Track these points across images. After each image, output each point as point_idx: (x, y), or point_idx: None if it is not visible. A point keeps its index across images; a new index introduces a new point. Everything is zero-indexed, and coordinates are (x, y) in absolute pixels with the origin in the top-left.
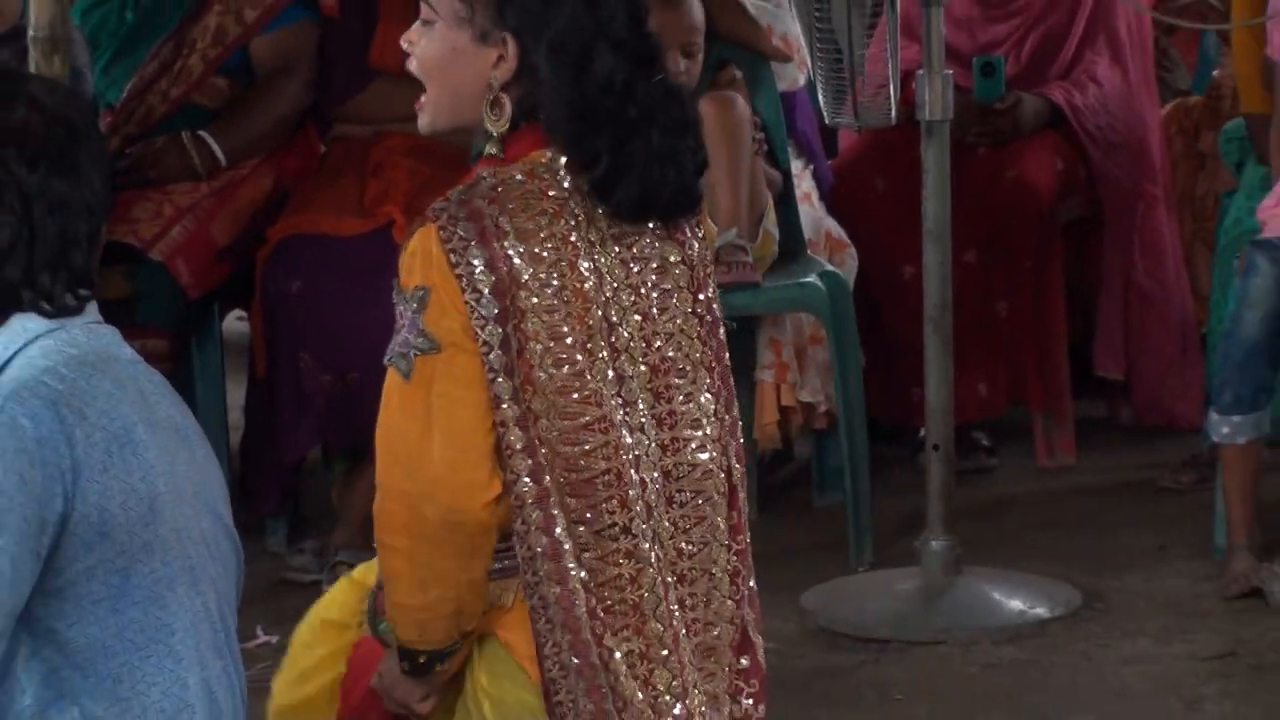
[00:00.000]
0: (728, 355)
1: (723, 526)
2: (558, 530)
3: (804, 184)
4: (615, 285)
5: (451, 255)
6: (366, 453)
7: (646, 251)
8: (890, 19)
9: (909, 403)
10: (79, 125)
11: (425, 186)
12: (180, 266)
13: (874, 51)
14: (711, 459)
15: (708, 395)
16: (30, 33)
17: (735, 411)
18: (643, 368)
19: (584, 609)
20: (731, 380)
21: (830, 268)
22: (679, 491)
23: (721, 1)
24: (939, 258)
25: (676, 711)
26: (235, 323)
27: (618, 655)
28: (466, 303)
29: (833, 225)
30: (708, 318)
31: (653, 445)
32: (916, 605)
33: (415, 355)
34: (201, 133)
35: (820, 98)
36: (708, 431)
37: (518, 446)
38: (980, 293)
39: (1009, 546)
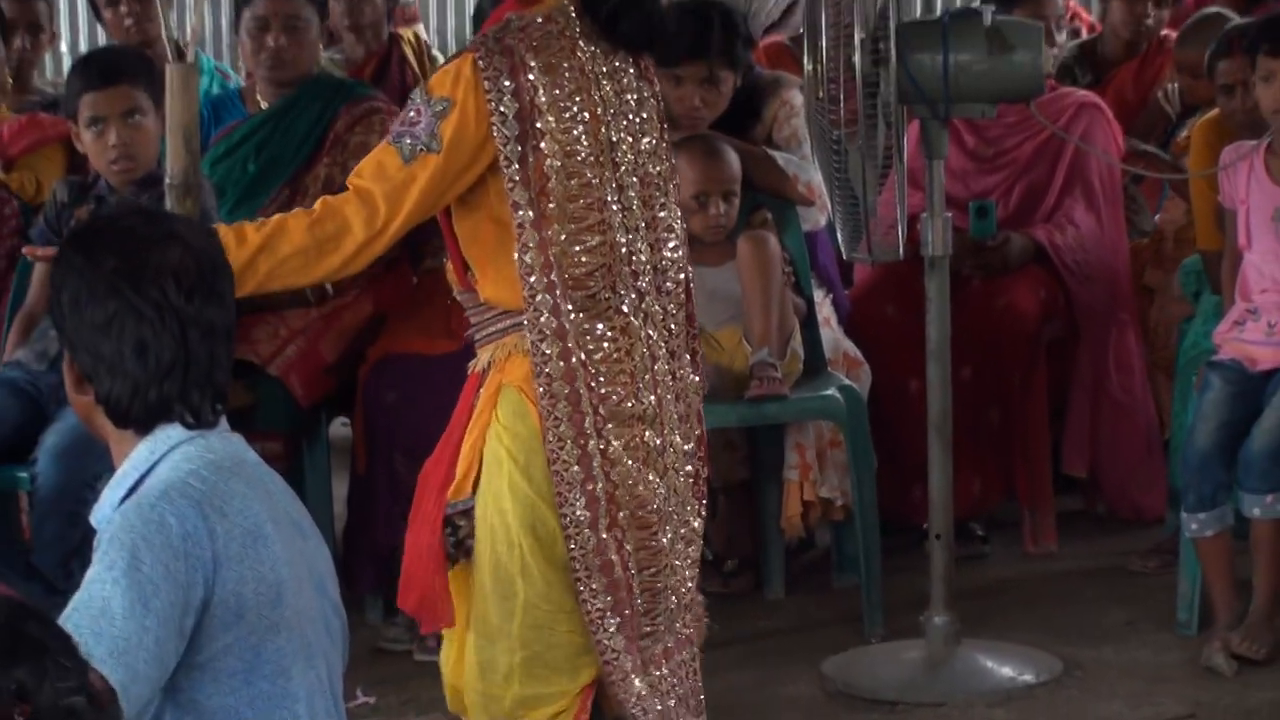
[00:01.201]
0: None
1: (683, 315)
2: (565, 316)
3: (825, 310)
4: (613, 111)
5: (485, 81)
6: None
7: (630, 86)
8: (898, 170)
9: (911, 500)
10: (219, 260)
11: None
12: (294, 380)
13: (884, 197)
14: (681, 257)
15: (675, 207)
16: (166, 180)
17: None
18: (635, 180)
19: (584, 386)
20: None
21: (847, 382)
22: (665, 281)
23: (755, 155)
24: (940, 374)
25: (658, 464)
26: (340, 428)
27: (603, 411)
28: (492, 123)
29: (849, 346)
30: (666, 143)
31: (643, 244)
32: (922, 672)
33: (420, 149)
34: None
35: (839, 236)
36: (678, 233)
37: (530, 245)
38: (975, 404)
39: (1001, 622)
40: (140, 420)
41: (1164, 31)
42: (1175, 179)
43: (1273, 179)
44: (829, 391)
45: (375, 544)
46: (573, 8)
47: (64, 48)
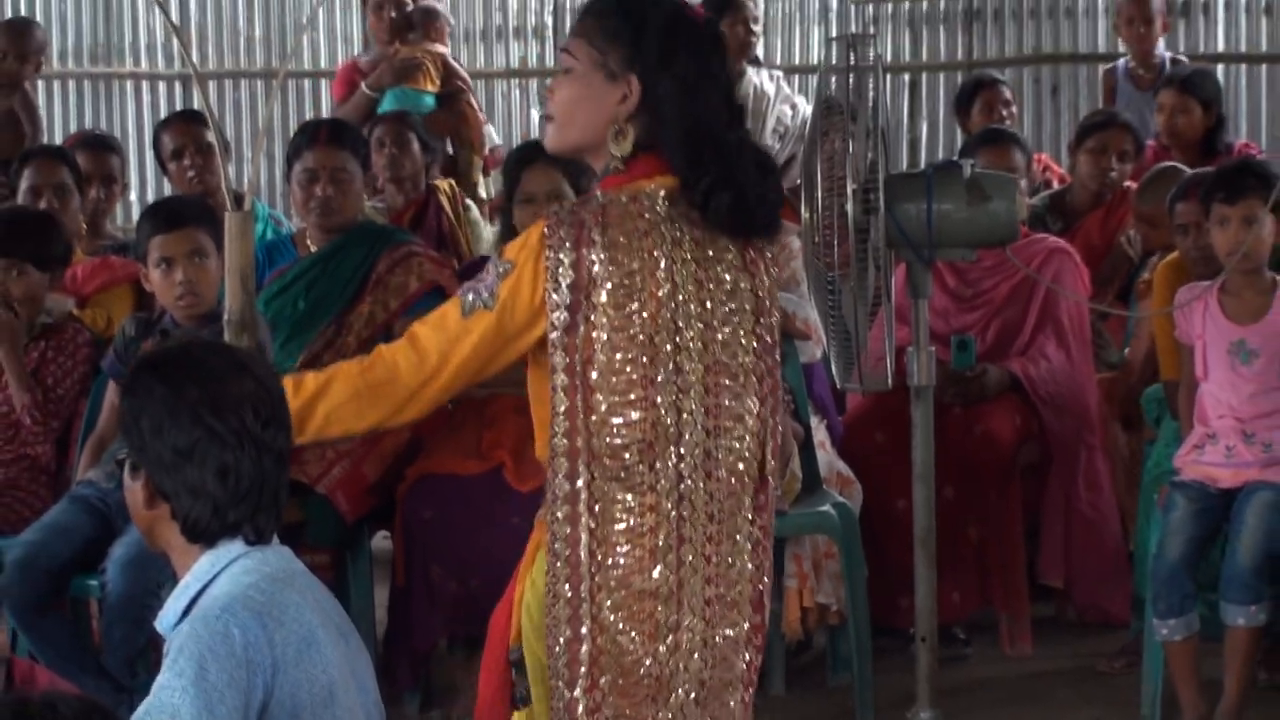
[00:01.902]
0: (780, 371)
1: (748, 504)
2: (579, 481)
3: (820, 434)
4: (684, 297)
5: (548, 250)
6: (480, 642)
7: (719, 275)
8: (886, 308)
9: (899, 607)
10: (282, 390)
11: (529, 435)
12: (339, 498)
13: (874, 332)
14: (748, 449)
15: (754, 399)
16: (225, 316)
17: (780, 417)
18: (699, 365)
19: (585, 552)
20: (781, 392)
21: (841, 500)
22: (716, 468)
23: None
24: (925, 493)
25: (668, 641)
26: (381, 541)
27: (605, 579)
28: (546, 289)
29: (843, 466)
30: (766, 339)
31: (699, 427)
32: None
33: (479, 305)
34: None
35: (833, 368)
36: (749, 425)
37: (560, 409)
38: (956, 520)
39: (981, 717)
40: (213, 537)
41: (1127, 183)
42: (1137, 317)
43: (1227, 316)
44: (825, 508)
45: (413, 647)
46: (666, 191)
47: (133, 197)
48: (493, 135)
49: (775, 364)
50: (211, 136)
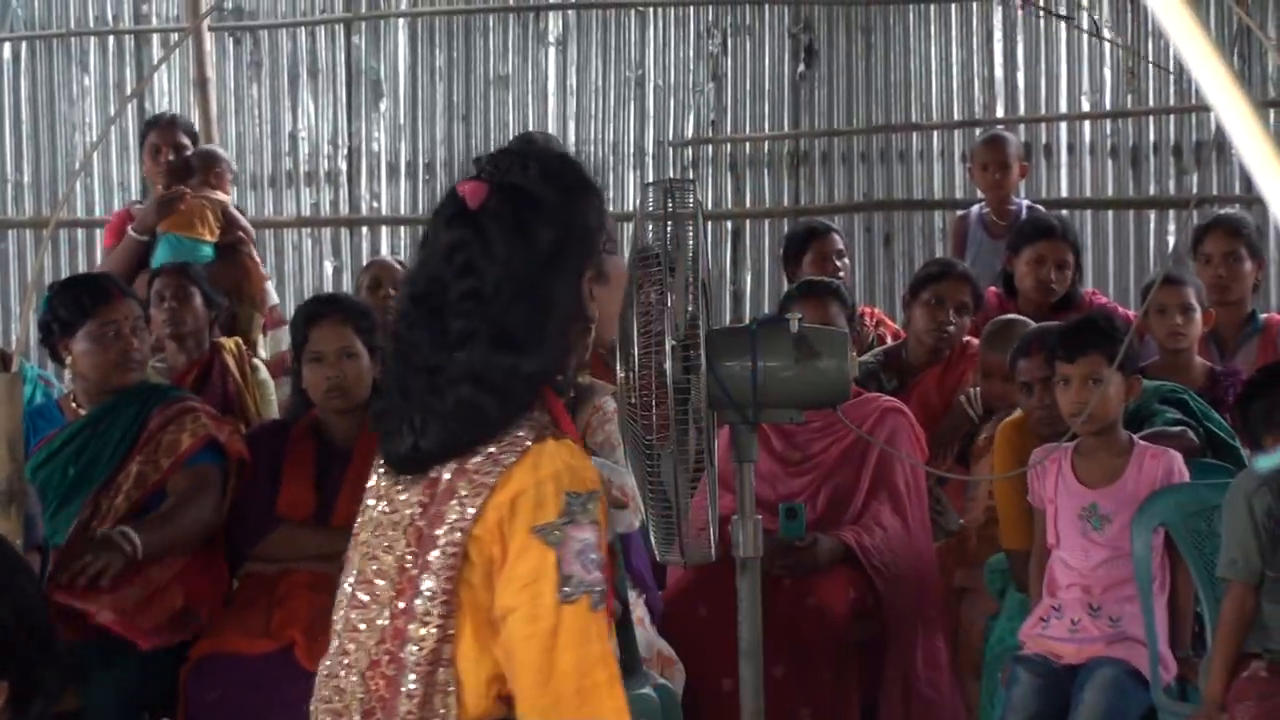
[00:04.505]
0: None
1: None
2: None
3: (639, 610)
4: None
5: None
6: None
7: None
8: (709, 474)
9: None
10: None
11: (322, 614)
12: (120, 628)
13: (696, 500)
14: None
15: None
16: None
17: None
18: None
19: None
20: None
21: (662, 680)
22: None
23: None
24: (752, 672)
25: None
26: None
27: None
28: None
29: (663, 645)
30: None
31: None
32: None
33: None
34: (125, 529)
35: (652, 538)
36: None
37: None
38: (788, 701)
39: None
40: None
41: (966, 338)
42: (981, 480)
43: (1079, 479)
44: (644, 690)
45: None
46: None
47: None
48: (271, 294)
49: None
50: None
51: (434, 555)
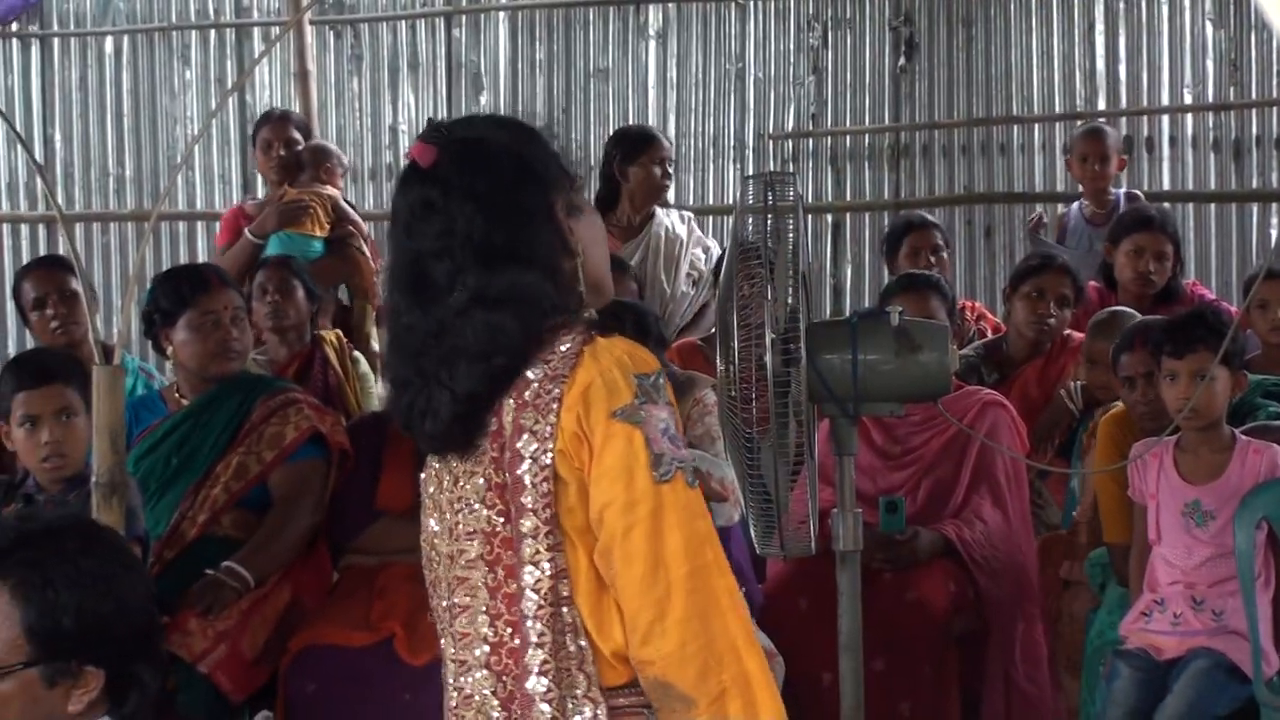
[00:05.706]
0: None
1: None
2: None
3: None
4: None
5: None
6: None
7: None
8: (810, 467)
9: None
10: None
11: (421, 605)
12: (221, 679)
13: (796, 494)
14: None
15: None
16: (93, 479)
17: None
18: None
19: None
20: None
21: None
22: None
23: None
24: (852, 665)
25: None
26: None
27: None
28: None
29: (763, 638)
30: None
31: None
32: None
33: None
34: (233, 564)
35: (752, 531)
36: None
37: None
38: (887, 695)
39: None
40: None
41: (1067, 331)
42: (1082, 474)
43: (1182, 475)
44: None
45: None
46: None
47: None
48: None
49: None
50: (77, 284)
51: (526, 497)
